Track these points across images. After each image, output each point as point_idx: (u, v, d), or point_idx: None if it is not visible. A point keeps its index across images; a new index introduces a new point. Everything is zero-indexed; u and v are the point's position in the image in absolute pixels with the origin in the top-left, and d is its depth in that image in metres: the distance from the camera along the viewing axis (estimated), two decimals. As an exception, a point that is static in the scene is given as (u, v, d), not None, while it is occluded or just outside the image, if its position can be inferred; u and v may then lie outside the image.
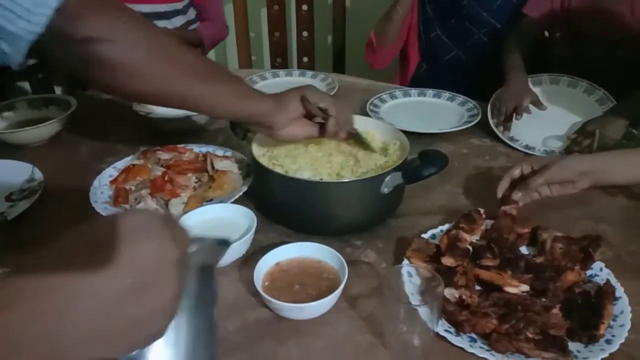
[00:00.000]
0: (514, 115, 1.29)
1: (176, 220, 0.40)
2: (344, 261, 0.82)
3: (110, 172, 1.12)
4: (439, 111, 1.46)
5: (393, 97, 1.51)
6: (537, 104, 1.31)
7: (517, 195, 0.97)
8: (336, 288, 0.78)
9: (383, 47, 1.81)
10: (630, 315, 0.76)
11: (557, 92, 1.41)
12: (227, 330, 0.77)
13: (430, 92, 1.53)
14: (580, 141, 1.21)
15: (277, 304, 0.75)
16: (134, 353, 0.38)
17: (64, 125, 1.34)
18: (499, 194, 1.00)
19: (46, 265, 0.33)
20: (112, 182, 1.08)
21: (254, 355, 0.73)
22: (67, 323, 0.33)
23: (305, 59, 2.27)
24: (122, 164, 1.14)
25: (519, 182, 1.00)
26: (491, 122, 1.32)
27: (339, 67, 2.26)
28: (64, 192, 1.10)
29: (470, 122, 1.34)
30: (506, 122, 1.30)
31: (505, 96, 1.33)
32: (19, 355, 0.31)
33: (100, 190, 1.06)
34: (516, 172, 1.01)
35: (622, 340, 0.71)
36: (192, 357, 0.46)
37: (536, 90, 1.37)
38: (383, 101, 1.48)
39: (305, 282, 0.81)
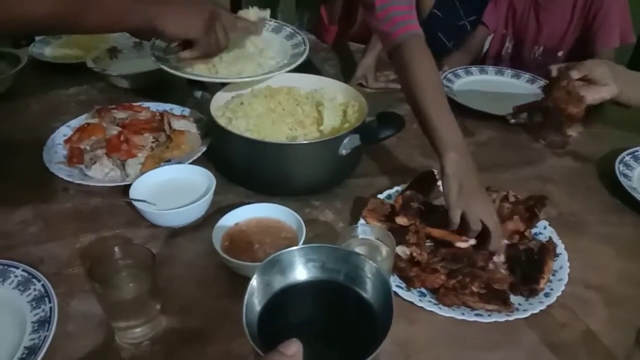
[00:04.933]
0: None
1: None
2: (301, 221, 0.83)
3: (65, 130, 1.09)
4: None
5: None
6: None
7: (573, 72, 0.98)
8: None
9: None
10: (568, 270, 0.81)
11: (502, 81, 1.48)
12: (187, 289, 0.79)
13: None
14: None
15: (236, 263, 0.77)
16: None
17: (13, 81, 1.29)
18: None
19: None
20: (66, 141, 1.05)
21: (213, 313, 0.75)
22: None
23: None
24: (76, 122, 1.11)
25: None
26: None
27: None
28: (15, 151, 1.07)
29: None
30: None
31: None
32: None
33: (54, 150, 1.03)
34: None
35: (559, 294, 0.77)
36: None
37: (481, 77, 1.49)
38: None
39: (264, 242, 0.83)
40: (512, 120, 1.22)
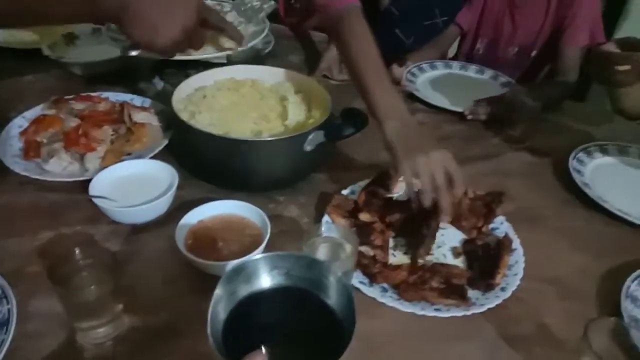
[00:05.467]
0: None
1: None
2: (266, 218, 0.83)
3: (20, 122, 1.05)
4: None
5: None
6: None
7: None
8: (260, 244, 0.80)
9: None
10: (523, 265, 0.84)
11: (465, 76, 1.51)
12: (150, 287, 0.78)
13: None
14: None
15: (200, 262, 0.76)
16: None
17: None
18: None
19: None
20: (21, 133, 1.02)
21: (177, 311, 0.75)
22: None
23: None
24: (32, 113, 1.07)
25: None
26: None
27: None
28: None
29: None
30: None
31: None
32: None
33: (10, 143, 1.00)
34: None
35: (514, 288, 0.80)
36: None
37: (445, 72, 1.50)
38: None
39: (228, 239, 0.82)
40: (470, 117, 1.25)
